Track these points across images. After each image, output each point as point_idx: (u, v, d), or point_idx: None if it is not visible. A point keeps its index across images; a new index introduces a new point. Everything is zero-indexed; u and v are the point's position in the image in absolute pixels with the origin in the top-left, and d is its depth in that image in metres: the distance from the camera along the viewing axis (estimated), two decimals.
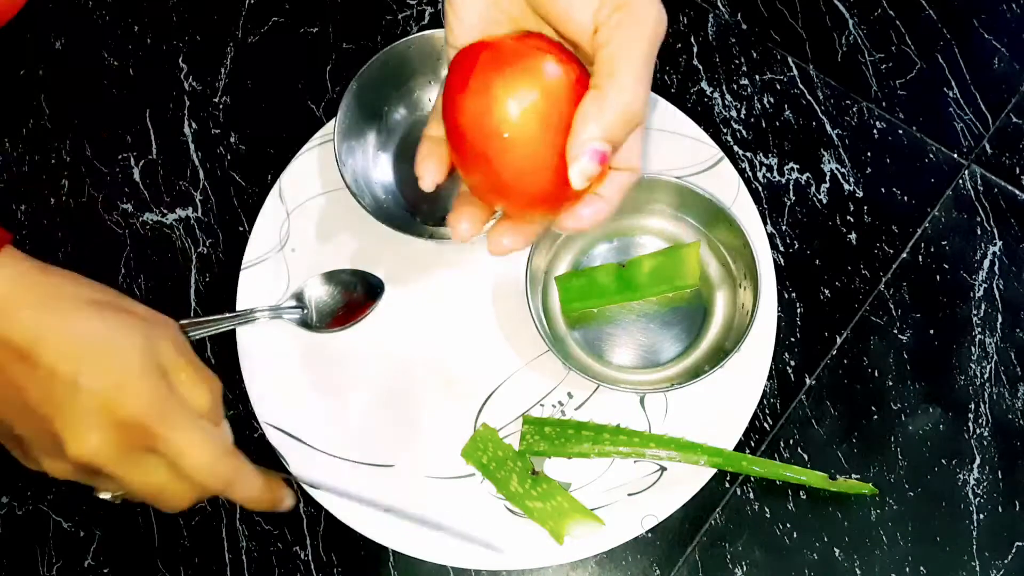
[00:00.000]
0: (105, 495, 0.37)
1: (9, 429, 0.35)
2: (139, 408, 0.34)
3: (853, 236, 0.53)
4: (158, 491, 0.35)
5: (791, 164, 0.55)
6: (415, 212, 0.53)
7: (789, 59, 0.57)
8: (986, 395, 0.50)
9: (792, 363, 0.51)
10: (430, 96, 0.54)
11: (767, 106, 0.56)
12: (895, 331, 0.52)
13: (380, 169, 0.54)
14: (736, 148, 0.55)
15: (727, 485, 0.49)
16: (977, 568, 0.47)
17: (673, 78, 0.57)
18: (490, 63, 0.33)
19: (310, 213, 0.54)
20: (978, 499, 0.48)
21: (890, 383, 0.51)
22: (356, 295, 0.52)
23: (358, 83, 0.51)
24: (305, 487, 0.48)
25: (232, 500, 0.37)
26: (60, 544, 0.49)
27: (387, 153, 0.54)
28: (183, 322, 0.50)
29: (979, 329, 0.51)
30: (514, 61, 0.33)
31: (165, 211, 0.55)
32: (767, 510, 0.48)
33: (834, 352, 0.51)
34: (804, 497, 0.49)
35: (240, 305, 0.52)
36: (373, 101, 0.53)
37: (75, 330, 0.34)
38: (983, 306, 0.52)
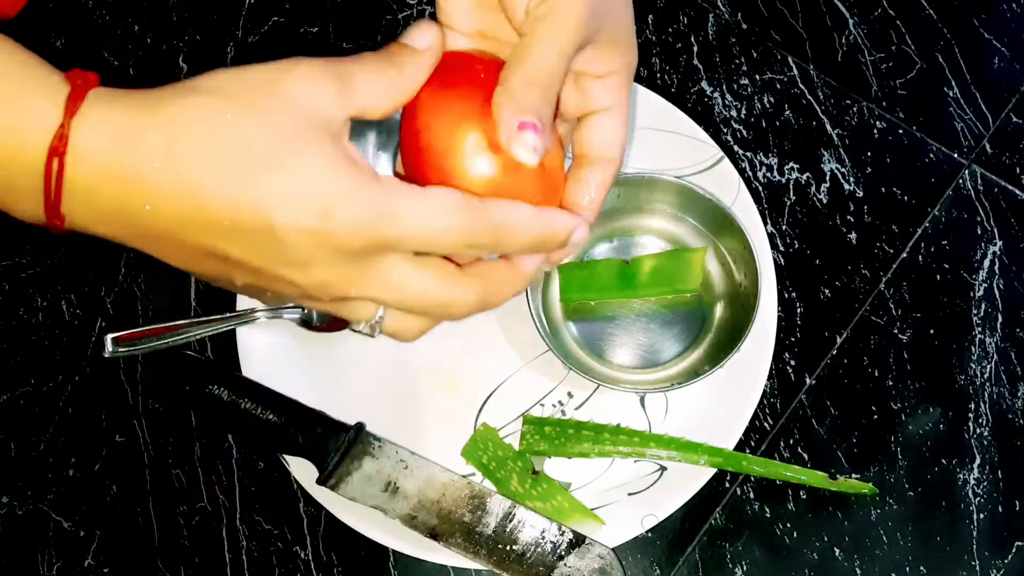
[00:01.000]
0: (361, 327, 0.32)
1: (229, 284, 0.31)
2: (356, 226, 0.28)
3: (853, 236, 0.53)
4: (421, 295, 0.30)
5: (791, 164, 0.55)
6: None
7: (789, 59, 0.57)
8: (986, 395, 0.50)
9: (792, 363, 0.51)
10: None
11: (767, 106, 0.56)
12: (895, 331, 0.52)
13: (380, 169, 0.54)
14: (736, 148, 0.55)
15: (727, 485, 0.49)
16: (977, 567, 0.47)
17: (673, 78, 0.56)
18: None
19: None
20: (978, 499, 0.48)
21: (890, 383, 0.51)
22: None
23: None
24: (305, 487, 0.48)
25: (515, 252, 0.32)
26: (60, 544, 0.49)
27: (387, 153, 0.54)
28: (182, 322, 0.50)
29: (979, 329, 0.51)
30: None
31: None
32: (767, 510, 0.48)
33: (834, 352, 0.51)
34: (804, 497, 0.49)
35: (240, 305, 0.52)
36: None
37: (234, 159, 0.27)
38: (983, 306, 0.52)
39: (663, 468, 0.48)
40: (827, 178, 0.54)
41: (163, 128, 0.28)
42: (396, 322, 0.32)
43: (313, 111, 0.29)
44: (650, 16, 0.58)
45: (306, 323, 0.51)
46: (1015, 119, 0.55)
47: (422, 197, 0.30)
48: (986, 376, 0.50)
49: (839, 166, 0.55)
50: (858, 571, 0.47)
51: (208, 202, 0.28)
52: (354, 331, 0.33)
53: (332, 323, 0.51)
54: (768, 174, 0.55)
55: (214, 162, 0.28)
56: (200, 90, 0.29)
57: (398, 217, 0.29)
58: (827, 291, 0.52)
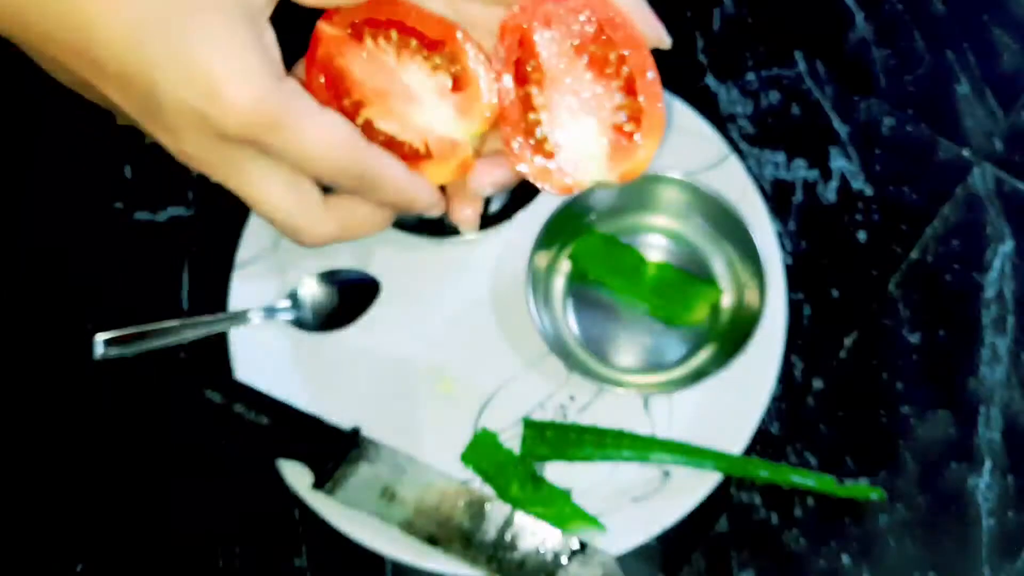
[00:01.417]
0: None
1: (117, 115, 0.30)
2: (237, 119, 0.28)
3: (862, 235, 0.52)
4: (275, 211, 0.31)
5: (799, 161, 0.54)
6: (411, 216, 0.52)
7: (796, 54, 0.56)
8: (996, 398, 0.49)
9: (799, 365, 0.50)
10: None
11: (774, 102, 0.55)
12: (904, 332, 0.51)
13: None
14: (742, 144, 0.54)
15: (733, 490, 0.48)
16: (987, 573, 0.47)
17: (678, 73, 0.55)
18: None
19: None
20: (988, 503, 0.48)
21: (899, 385, 0.50)
22: (352, 295, 0.51)
23: None
24: (303, 498, 0.47)
25: (372, 200, 0.33)
26: (49, 549, 0.48)
27: None
28: (173, 323, 0.49)
29: (990, 331, 0.50)
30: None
31: (157, 210, 0.54)
32: (774, 515, 0.48)
33: (842, 354, 0.50)
34: (811, 502, 0.48)
35: (233, 306, 0.51)
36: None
37: (137, 11, 0.27)
38: (993, 307, 0.51)
39: (667, 473, 0.47)
40: (835, 176, 0.54)
41: None
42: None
43: None
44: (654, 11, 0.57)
45: (300, 324, 0.50)
46: None
47: (316, 115, 0.29)
48: (996, 379, 0.50)
49: (847, 164, 0.54)
50: None
51: (98, 42, 0.27)
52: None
53: (327, 324, 0.50)
54: (775, 172, 0.54)
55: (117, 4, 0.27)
56: None
57: (284, 127, 0.29)
58: (835, 291, 0.52)
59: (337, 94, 0.33)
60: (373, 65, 0.34)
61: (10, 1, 0.28)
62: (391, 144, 0.34)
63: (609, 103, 0.34)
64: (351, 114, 0.33)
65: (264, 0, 0.29)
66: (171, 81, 0.27)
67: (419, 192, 0.33)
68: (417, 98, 0.34)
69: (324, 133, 0.30)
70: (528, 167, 0.34)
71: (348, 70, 0.33)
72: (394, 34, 0.34)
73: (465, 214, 0.36)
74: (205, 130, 0.28)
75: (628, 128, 0.34)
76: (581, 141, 0.34)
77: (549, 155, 0.34)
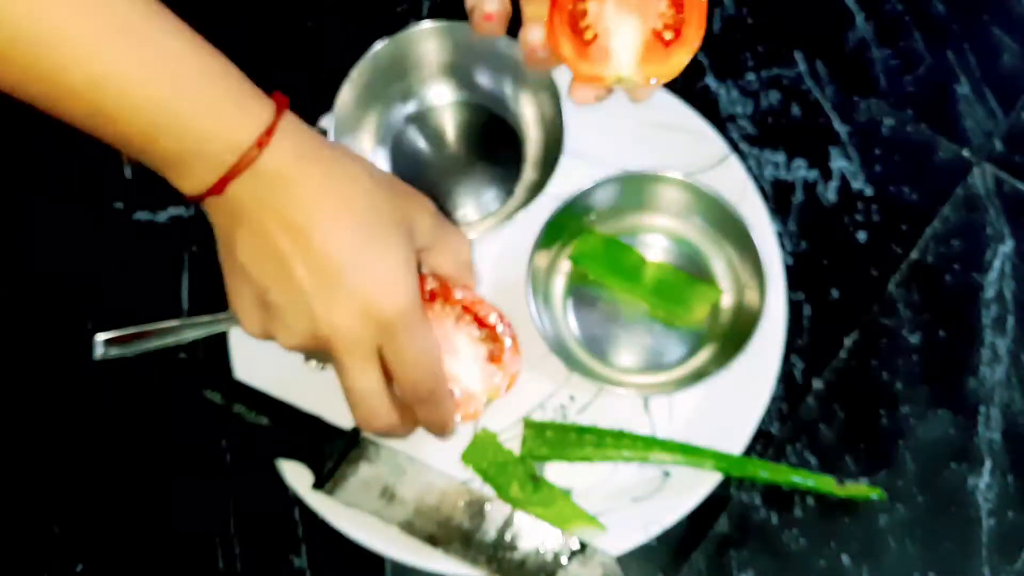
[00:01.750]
0: (317, 365, 0.43)
1: (263, 294, 0.38)
2: (394, 310, 0.38)
3: (862, 235, 0.52)
4: (362, 394, 0.39)
5: (798, 161, 0.54)
6: None
7: (796, 54, 0.56)
8: (996, 398, 0.49)
9: (799, 365, 0.50)
10: (429, 91, 0.53)
11: (774, 102, 0.55)
12: (904, 332, 0.51)
13: (378, 165, 0.53)
14: (742, 144, 0.54)
15: (733, 490, 0.48)
16: (987, 573, 0.47)
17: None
18: None
19: None
20: (988, 504, 0.48)
21: (899, 386, 0.50)
22: None
23: (356, 76, 0.50)
24: (303, 498, 0.47)
25: (420, 413, 0.42)
26: (49, 550, 0.48)
27: (385, 148, 0.53)
28: (173, 323, 0.49)
29: (990, 331, 0.50)
30: None
31: (157, 210, 0.54)
32: (774, 516, 0.48)
33: (842, 354, 0.50)
34: (811, 502, 0.48)
35: None
36: (371, 95, 0.51)
37: (352, 219, 0.37)
38: (993, 307, 0.51)
39: (667, 473, 0.47)
40: (835, 176, 0.53)
41: (325, 163, 0.38)
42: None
43: (416, 224, 0.41)
44: None
45: None
46: None
47: (429, 331, 0.41)
48: (996, 379, 0.50)
49: (847, 164, 0.54)
50: None
51: (318, 231, 0.37)
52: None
53: None
54: (775, 172, 0.54)
55: (342, 211, 0.38)
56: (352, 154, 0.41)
57: (416, 328, 0.39)
58: (835, 292, 0.51)
59: None
60: (435, 320, 0.45)
61: (276, 188, 0.37)
62: None
63: (654, 10, 0.38)
64: None
65: (417, 248, 0.41)
66: (359, 271, 0.37)
67: (451, 424, 0.44)
68: (459, 354, 0.45)
69: (431, 345, 0.40)
70: (565, 46, 0.38)
71: None
72: (459, 308, 0.45)
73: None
74: (367, 313, 0.38)
75: (667, 36, 0.38)
76: (620, 36, 0.38)
77: (586, 41, 0.38)
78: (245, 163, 0.36)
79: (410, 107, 0.53)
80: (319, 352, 0.39)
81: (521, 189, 0.51)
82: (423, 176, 0.52)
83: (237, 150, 0.36)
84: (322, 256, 0.37)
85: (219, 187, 0.36)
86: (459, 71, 0.52)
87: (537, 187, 0.49)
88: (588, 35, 0.38)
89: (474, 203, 0.52)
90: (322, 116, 0.54)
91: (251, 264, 0.38)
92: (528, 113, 0.52)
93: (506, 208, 0.51)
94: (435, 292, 0.47)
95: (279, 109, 0.37)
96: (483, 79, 0.53)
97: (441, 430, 0.43)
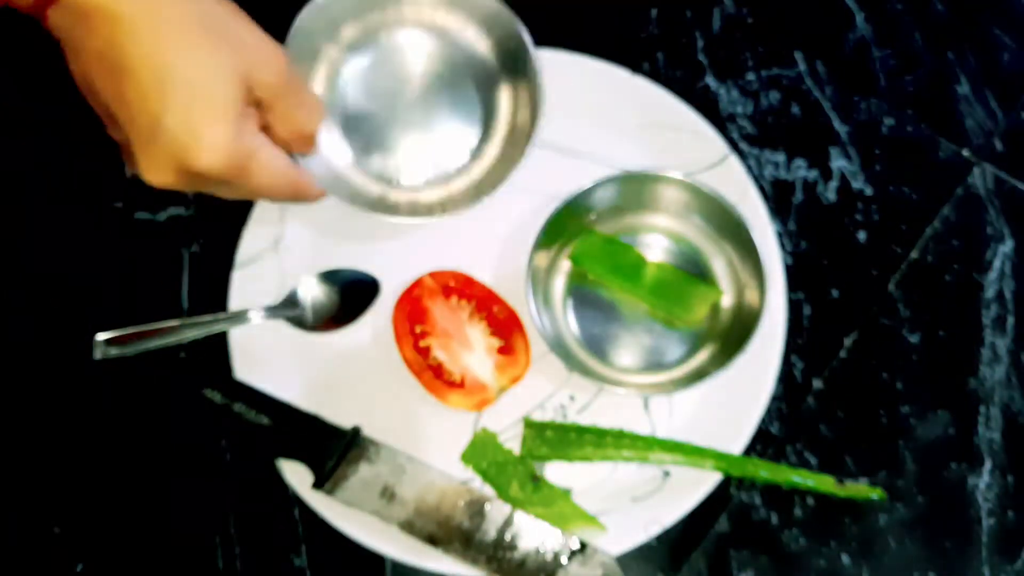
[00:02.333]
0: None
1: (111, 116, 0.38)
2: (212, 163, 0.37)
3: (862, 235, 0.52)
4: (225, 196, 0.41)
5: (799, 161, 0.54)
6: (381, 180, 0.51)
7: (796, 54, 0.56)
8: (996, 398, 0.49)
9: (799, 365, 0.50)
10: (400, 33, 0.51)
11: (774, 102, 0.55)
12: (904, 332, 0.51)
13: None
14: (742, 144, 0.54)
15: (733, 490, 0.48)
16: (987, 573, 0.47)
17: (678, 73, 0.55)
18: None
19: (305, 211, 0.53)
20: (988, 503, 0.48)
21: (899, 385, 0.50)
22: (352, 295, 0.51)
23: (295, 30, 0.48)
24: (303, 497, 0.47)
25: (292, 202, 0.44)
26: (49, 549, 0.48)
27: (339, 80, 0.51)
28: (173, 323, 0.49)
29: (990, 331, 0.50)
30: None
31: (157, 210, 0.54)
32: (774, 515, 0.48)
33: (842, 354, 0.50)
34: (811, 502, 0.48)
35: (233, 305, 0.50)
36: (333, 21, 0.49)
37: (178, 59, 0.37)
38: (993, 307, 0.51)
39: (667, 473, 0.47)
40: (835, 176, 0.53)
41: None
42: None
43: (256, 76, 0.39)
44: (654, 10, 0.57)
45: (300, 324, 0.50)
46: None
47: (270, 160, 0.40)
48: (996, 379, 0.50)
49: (847, 164, 0.54)
50: None
51: (132, 62, 0.36)
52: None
53: (327, 323, 0.50)
54: (775, 172, 0.54)
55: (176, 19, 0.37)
56: None
57: (244, 173, 0.39)
58: (835, 291, 0.51)
59: (414, 321, 0.49)
60: (449, 313, 0.49)
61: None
62: (439, 369, 0.48)
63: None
64: (419, 337, 0.49)
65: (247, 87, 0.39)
66: (172, 122, 0.36)
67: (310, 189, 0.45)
68: (472, 346, 0.48)
69: (274, 170, 0.41)
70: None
71: (430, 310, 0.49)
72: (474, 303, 0.49)
73: None
74: (181, 169, 0.37)
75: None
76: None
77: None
78: None
79: (373, 42, 0.51)
80: None
81: (486, 161, 0.51)
82: (377, 118, 0.51)
83: None
84: (144, 96, 0.37)
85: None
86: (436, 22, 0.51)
87: (506, 162, 0.49)
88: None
89: (431, 161, 0.51)
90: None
91: (94, 69, 0.38)
92: (505, 95, 0.51)
93: (465, 178, 0.51)
94: (451, 288, 0.49)
95: None
96: (469, 33, 0.51)
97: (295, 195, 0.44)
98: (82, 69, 0.38)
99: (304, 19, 0.48)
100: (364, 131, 0.51)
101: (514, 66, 0.50)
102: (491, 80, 0.52)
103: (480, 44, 0.51)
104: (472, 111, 0.51)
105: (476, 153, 0.51)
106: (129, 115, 0.37)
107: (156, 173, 0.38)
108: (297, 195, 0.43)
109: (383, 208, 0.50)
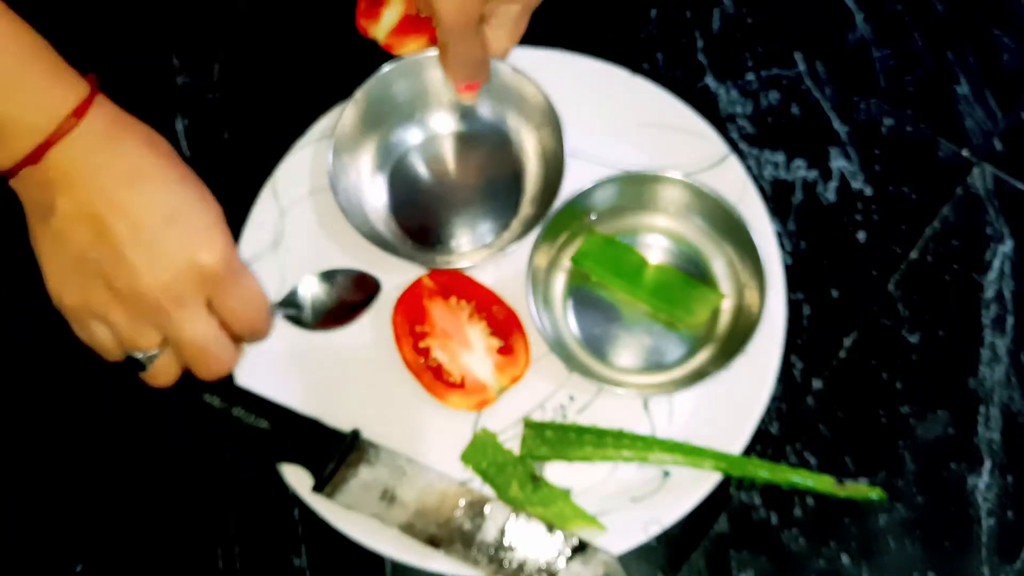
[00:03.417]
0: (139, 354, 0.42)
1: (82, 255, 0.40)
2: (217, 257, 0.40)
3: (862, 235, 0.52)
4: (204, 343, 0.41)
5: (798, 161, 0.54)
6: (408, 236, 0.52)
7: (796, 54, 0.56)
8: (996, 398, 0.49)
9: (799, 365, 0.50)
10: (432, 119, 0.53)
11: (774, 102, 0.55)
12: (904, 332, 0.51)
13: (376, 190, 0.53)
14: (742, 144, 0.54)
15: (733, 490, 0.48)
16: (987, 573, 0.47)
17: (677, 73, 0.55)
18: None
19: (305, 211, 0.53)
20: (988, 503, 0.48)
21: (899, 385, 0.50)
22: (352, 295, 0.50)
23: (360, 97, 0.50)
24: (300, 495, 0.47)
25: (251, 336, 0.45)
26: (48, 552, 0.48)
27: (383, 173, 0.53)
28: None
29: (989, 331, 0.50)
30: None
31: None
32: (774, 515, 0.48)
33: (842, 354, 0.50)
34: (811, 502, 0.48)
35: None
36: (373, 118, 0.51)
37: (172, 176, 0.41)
38: (993, 307, 0.51)
39: (667, 473, 0.47)
40: (835, 176, 0.53)
41: (141, 131, 0.42)
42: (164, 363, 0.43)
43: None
44: (654, 10, 0.57)
45: (300, 323, 0.50)
46: None
47: (250, 279, 0.44)
48: (996, 379, 0.50)
49: (847, 164, 0.54)
50: None
51: (137, 188, 0.40)
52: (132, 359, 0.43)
53: (327, 321, 0.50)
54: (775, 172, 0.54)
55: (162, 170, 0.41)
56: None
57: (238, 275, 0.43)
58: (835, 291, 0.51)
59: (414, 322, 0.49)
60: (449, 314, 0.49)
61: (86, 164, 0.40)
62: (439, 370, 0.48)
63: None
64: (419, 337, 0.49)
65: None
66: (180, 224, 0.41)
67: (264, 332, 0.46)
68: (471, 346, 0.49)
69: (256, 288, 0.44)
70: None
71: (429, 311, 0.49)
72: (473, 303, 0.49)
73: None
74: (191, 265, 0.40)
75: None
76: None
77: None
78: (64, 130, 0.38)
79: (412, 133, 0.53)
80: (145, 329, 0.41)
81: (517, 223, 0.51)
82: (420, 203, 0.52)
83: (55, 118, 0.38)
84: (142, 212, 0.39)
85: (37, 154, 0.38)
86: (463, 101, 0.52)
87: (533, 221, 0.49)
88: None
89: (469, 234, 0.52)
90: (321, 118, 0.54)
91: (69, 227, 0.39)
92: (529, 147, 0.52)
93: (500, 241, 0.51)
94: (450, 288, 0.49)
95: (93, 86, 0.40)
96: (486, 110, 0.53)
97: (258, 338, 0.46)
98: (57, 228, 0.40)
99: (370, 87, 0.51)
100: (407, 201, 0.52)
101: (538, 125, 0.52)
102: (518, 140, 0.53)
103: (527, 136, 0.53)
104: (507, 179, 0.52)
105: (510, 218, 0.52)
106: (128, 227, 0.39)
107: (157, 269, 0.39)
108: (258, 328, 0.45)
109: (401, 254, 0.50)
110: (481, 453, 0.48)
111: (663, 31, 0.57)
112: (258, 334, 0.45)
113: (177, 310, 0.40)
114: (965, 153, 0.54)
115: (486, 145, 0.53)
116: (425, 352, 0.49)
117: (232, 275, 0.42)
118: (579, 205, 0.49)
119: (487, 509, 0.46)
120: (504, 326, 0.49)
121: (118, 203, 0.39)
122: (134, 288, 0.39)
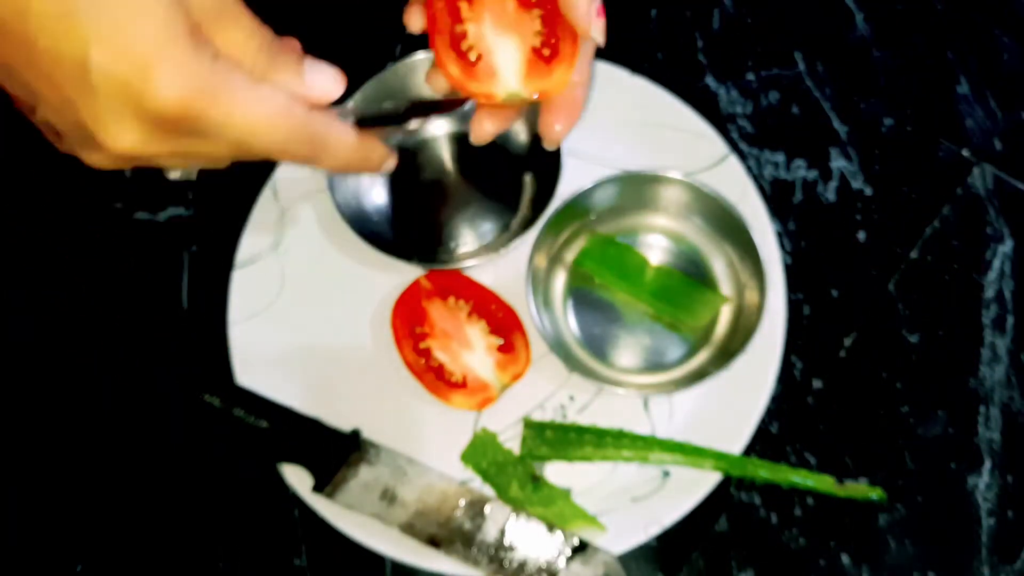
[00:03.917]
0: (175, 175, 0.33)
1: (38, 115, 0.29)
2: (173, 93, 0.27)
3: (862, 235, 0.52)
4: (229, 161, 0.31)
5: (798, 161, 0.54)
6: (407, 236, 0.52)
7: (796, 54, 0.56)
8: (996, 398, 0.49)
9: (799, 365, 0.50)
10: (431, 121, 0.53)
11: (774, 102, 0.55)
12: (904, 332, 0.51)
13: (375, 190, 0.52)
14: (742, 144, 0.54)
15: (733, 490, 0.48)
16: (987, 573, 0.47)
17: (677, 73, 0.55)
18: None
19: (306, 211, 0.53)
20: (988, 503, 0.48)
21: (899, 385, 0.50)
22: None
23: (359, 99, 0.50)
24: (301, 495, 0.47)
25: (321, 167, 0.33)
26: (48, 552, 0.48)
27: (383, 177, 0.53)
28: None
29: (989, 331, 0.50)
30: None
31: (157, 210, 0.54)
32: (774, 515, 0.48)
33: (842, 354, 0.50)
34: (811, 502, 0.48)
35: (233, 306, 0.50)
36: (371, 120, 0.51)
37: None
38: (993, 307, 0.51)
39: (667, 473, 0.47)
40: (835, 176, 0.53)
41: None
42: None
43: None
44: (654, 10, 0.57)
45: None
46: None
47: (252, 88, 0.29)
48: (996, 379, 0.50)
49: (847, 164, 0.54)
50: None
51: (31, 14, 0.26)
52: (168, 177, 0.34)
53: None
54: (775, 172, 0.54)
55: None
56: None
57: (222, 101, 0.28)
58: (835, 291, 0.51)
59: (413, 323, 0.49)
60: (448, 314, 0.49)
61: None
62: (440, 370, 0.48)
63: (530, 29, 0.38)
64: (419, 338, 0.48)
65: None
66: (104, 57, 0.26)
67: (372, 151, 0.34)
68: (472, 345, 0.48)
69: (263, 104, 0.29)
70: (452, 67, 0.38)
71: (428, 312, 0.49)
72: (471, 303, 0.49)
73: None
74: (141, 113, 0.27)
75: (545, 52, 0.38)
76: (502, 55, 0.38)
77: (471, 62, 0.38)
78: None
79: (414, 138, 0.53)
80: (151, 162, 0.30)
81: (517, 223, 0.52)
82: (420, 204, 0.52)
83: None
84: (55, 52, 0.27)
85: None
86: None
87: (532, 221, 0.49)
88: (472, 56, 0.38)
89: (469, 234, 0.52)
90: None
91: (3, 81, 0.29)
92: (528, 148, 0.52)
93: (500, 241, 0.51)
94: (447, 288, 0.49)
95: None
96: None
97: (364, 164, 0.35)
98: None
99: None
100: (407, 202, 0.52)
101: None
102: (516, 142, 0.53)
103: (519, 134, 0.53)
104: (507, 180, 0.52)
105: (511, 219, 0.52)
106: (45, 71, 0.27)
107: (110, 134, 0.28)
108: (318, 146, 0.31)
109: (401, 256, 0.50)
110: (481, 453, 0.48)
111: (663, 31, 0.57)
112: (297, 150, 0.32)
113: (167, 161, 0.31)
114: (965, 153, 0.54)
115: (485, 145, 0.53)
116: (426, 353, 0.49)
117: (210, 106, 0.29)
118: (579, 205, 0.49)
119: (487, 509, 0.46)
120: (503, 324, 0.49)
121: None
122: (110, 153, 0.30)
